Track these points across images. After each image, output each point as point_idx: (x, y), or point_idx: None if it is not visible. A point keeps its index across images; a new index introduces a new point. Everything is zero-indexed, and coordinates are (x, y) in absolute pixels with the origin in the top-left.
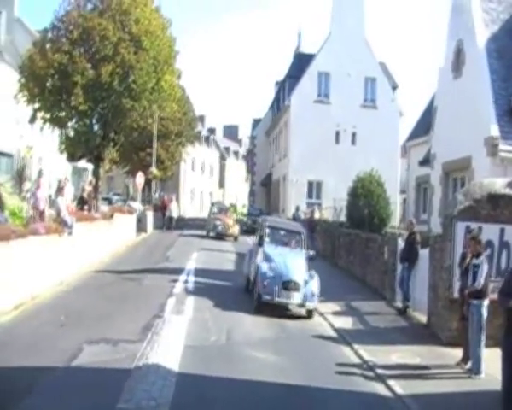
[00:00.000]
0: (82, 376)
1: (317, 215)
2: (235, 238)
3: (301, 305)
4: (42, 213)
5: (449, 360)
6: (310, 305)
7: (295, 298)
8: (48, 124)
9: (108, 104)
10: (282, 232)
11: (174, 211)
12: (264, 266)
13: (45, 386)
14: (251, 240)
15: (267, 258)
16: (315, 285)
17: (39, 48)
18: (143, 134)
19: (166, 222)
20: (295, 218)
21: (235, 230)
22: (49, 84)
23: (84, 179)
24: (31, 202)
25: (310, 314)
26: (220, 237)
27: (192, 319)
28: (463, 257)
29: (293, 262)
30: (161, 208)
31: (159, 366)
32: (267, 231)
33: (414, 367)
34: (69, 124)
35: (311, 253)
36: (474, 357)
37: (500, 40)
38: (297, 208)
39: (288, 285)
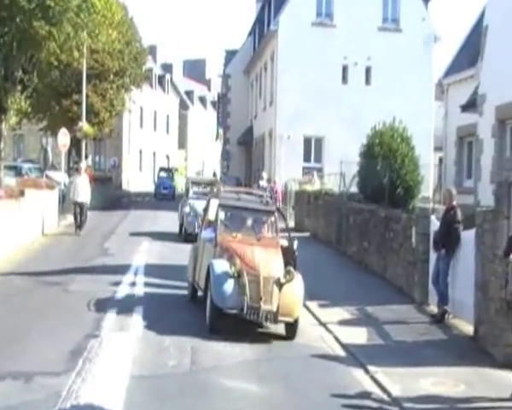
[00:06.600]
0: None
1: (316, 185)
2: None
3: None
4: None
5: (507, 387)
6: None
7: None
8: None
9: (11, 29)
10: None
11: (82, 193)
12: None
13: None
14: None
15: None
16: None
17: None
18: (68, 74)
19: (74, 213)
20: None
21: None
22: None
23: None
24: None
25: None
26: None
27: (141, 338)
28: None
29: None
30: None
31: (94, 407)
32: None
33: (456, 399)
34: None
35: None
36: None
37: None
38: (261, 177)
39: None
